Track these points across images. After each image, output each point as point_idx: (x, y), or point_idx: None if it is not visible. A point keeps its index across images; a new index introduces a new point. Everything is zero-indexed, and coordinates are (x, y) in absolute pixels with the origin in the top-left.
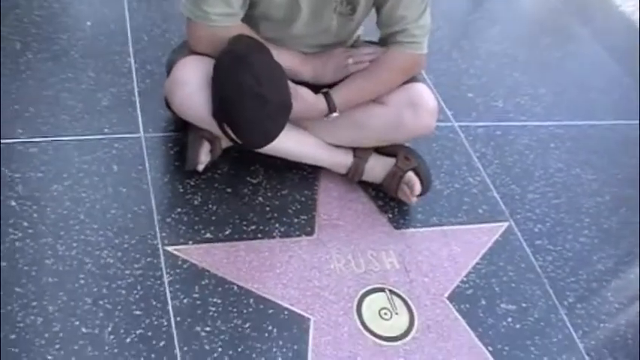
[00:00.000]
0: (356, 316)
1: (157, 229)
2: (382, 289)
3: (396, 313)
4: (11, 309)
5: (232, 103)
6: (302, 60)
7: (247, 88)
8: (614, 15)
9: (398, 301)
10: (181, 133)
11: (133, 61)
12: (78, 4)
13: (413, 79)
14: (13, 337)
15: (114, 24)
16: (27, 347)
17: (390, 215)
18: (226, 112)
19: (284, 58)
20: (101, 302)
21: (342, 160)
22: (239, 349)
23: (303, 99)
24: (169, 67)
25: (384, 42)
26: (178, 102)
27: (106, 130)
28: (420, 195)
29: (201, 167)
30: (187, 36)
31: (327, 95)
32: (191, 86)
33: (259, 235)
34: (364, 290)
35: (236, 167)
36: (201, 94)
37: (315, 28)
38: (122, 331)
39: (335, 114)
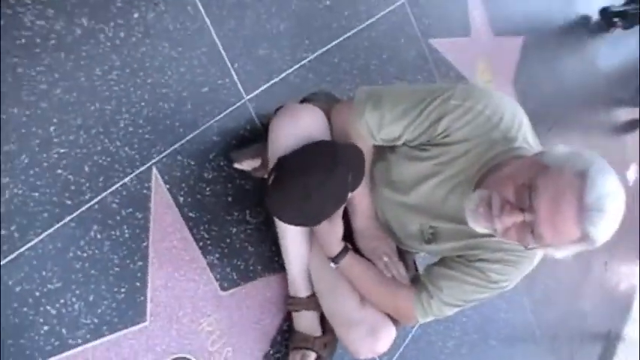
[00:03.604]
0: None
1: None
2: None
3: None
4: None
5: (298, 171)
6: (369, 215)
7: (317, 178)
8: None
9: None
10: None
11: None
12: None
13: (397, 322)
14: None
15: None
16: None
17: None
18: (288, 169)
19: (365, 197)
20: None
21: (302, 291)
22: None
23: (329, 230)
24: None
25: (415, 279)
26: (291, 115)
27: None
28: None
29: (238, 164)
30: (338, 115)
31: (344, 249)
32: (309, 117)
33: None
34: None
35: None
36: (302, 131)
37: (399, 216)
38: None
39: (332, 265)
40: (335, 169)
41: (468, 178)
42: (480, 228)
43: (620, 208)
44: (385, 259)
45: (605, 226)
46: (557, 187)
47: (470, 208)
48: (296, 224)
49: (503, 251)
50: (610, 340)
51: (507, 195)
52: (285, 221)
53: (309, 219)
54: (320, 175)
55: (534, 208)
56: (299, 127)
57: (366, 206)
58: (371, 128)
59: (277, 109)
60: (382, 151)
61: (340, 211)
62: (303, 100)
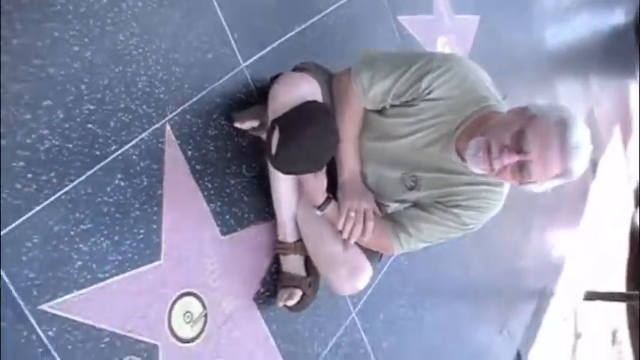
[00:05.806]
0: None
1: None
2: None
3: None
4: None
5: (303, 123)
6: (354, 172)
7: (323, 121)
8: None
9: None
10: None
11: None
12: None
13: (377, 254)
14: None
15: None
16: None
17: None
18: (290, 126)
19: (351, 156)
20: None
21: (290, 236)
22: None
23: (315, 182)
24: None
25: (391, 218)
26: (291, 83)
27: None
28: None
29: (239, 124)
30: (338, 81)
31: (328, 198)
32: (307, 86)
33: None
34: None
35: None
36: (301, 98)
37: (383, 165)
38: None
39: (318, 212)
40: (329, 112)
41: (449, 132)
42: (478, 170)
43: (588, 148)
44: (352, 214)
45: (582, 162)
46: (543, 132)
47: (471, 154)
48: (307, 171)
49: (477, 199)
50: (544, 295)
51: (504, 140)
52: (297, 172)
53: (319, 162)
54: (324, 119)
55: (526, 150)
56: (298, 94)
57: (352, 164)
58: (364, 85)
59: (273, 77)
60: (371, 115)
61: (324, 167)
62: (295, 69)
